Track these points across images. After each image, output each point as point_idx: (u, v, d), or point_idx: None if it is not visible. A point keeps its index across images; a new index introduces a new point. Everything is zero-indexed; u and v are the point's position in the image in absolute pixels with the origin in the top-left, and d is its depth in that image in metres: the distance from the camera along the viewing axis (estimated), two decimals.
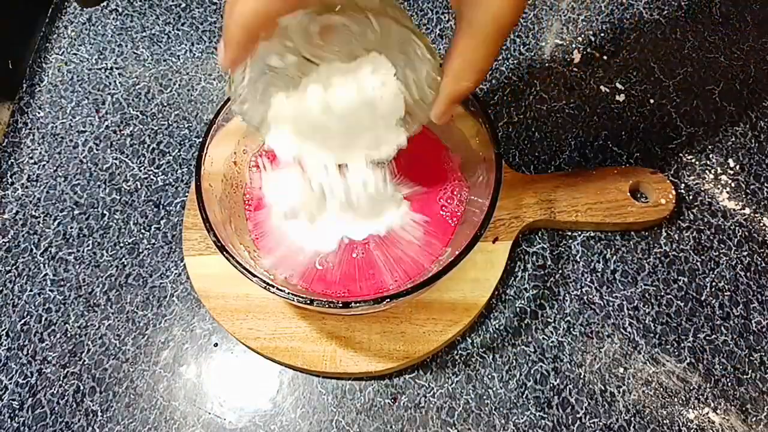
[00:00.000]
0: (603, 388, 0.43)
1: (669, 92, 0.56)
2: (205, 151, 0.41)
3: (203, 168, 0.41)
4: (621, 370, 0.43)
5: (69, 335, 0.45)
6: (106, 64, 0.60)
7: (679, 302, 0.46)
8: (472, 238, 0.37)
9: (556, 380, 0.43)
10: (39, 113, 0.56)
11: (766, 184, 0.51)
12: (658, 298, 0.46)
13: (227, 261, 0.37)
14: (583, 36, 0.60)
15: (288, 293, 0.36)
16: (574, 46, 0.59)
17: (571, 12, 0.62)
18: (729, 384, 0.43)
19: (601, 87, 0.56)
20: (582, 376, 0.43)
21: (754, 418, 0.42)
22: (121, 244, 0.49)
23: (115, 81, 0.58)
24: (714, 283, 0.46)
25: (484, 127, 0.42)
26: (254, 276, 0.36)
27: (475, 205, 0.43)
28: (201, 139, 0.42)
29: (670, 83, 0.56)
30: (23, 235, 0.50)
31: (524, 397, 0.43)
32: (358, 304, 0.36)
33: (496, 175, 0.39)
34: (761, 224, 0.49)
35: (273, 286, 0.36)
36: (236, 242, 0.42)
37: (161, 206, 0.51)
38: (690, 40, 0.59)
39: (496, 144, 0.40)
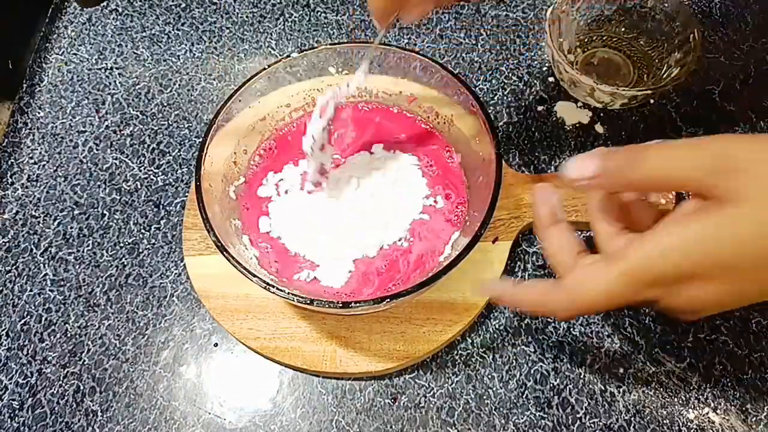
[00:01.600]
0: (603, 388, 0.43)
1: (669, 92, 0.56)
2: (205, 151, 0.41)
3: (203, 168, 0.41)
4: (621, 370, 0.43)
5: (69, 335, 0.45)
6: (106, 64, 0.60)
7: None
8: (472, 238, 0.37)
9: (556, 380, 0.43)
10: (39, 113, 0.56)
11: None
12: None
13: (227, 261, 0.37)
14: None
15: (288, 293, 0.36)
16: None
17: None
18: (729, 384, 0.43)
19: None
20: (582, 376, 0.43)
21: (754, 418, 0.42)
22: (121, 244, 0.49)
23: (115, 81, 0.58)
24: None
25: (484, 127, 0.42)
26: (254, 276, 0.36)
27: (476, 205, 0.43)
28: (201, 139, 0.42)
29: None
30: (23, 235, 0.50)
31: (524, 397, 0.43)
32: (357, 305, 0.36)
33: (496, 175, 0.39)
34: None
35: (273, 286, 0.36)
36: (236, 242, 0.42)
37: (161, 206, 0.51)
38: None
39: (496, 144, 0.40)
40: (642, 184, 0.30)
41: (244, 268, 0.36)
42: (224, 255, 0.37)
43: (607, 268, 0.29)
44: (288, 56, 0.45)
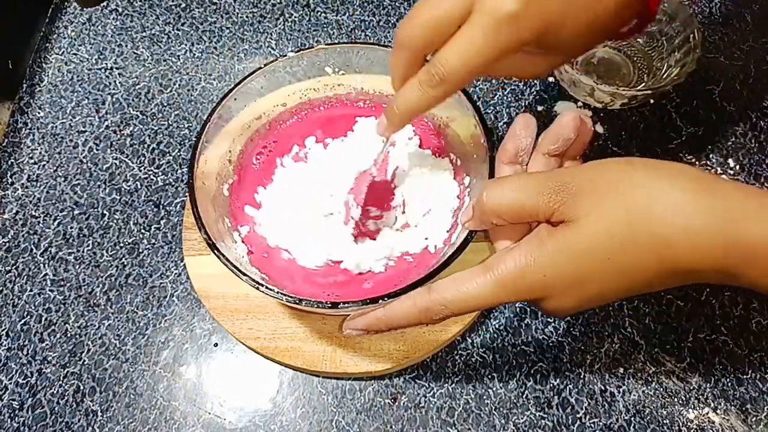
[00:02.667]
0: (603, 388, 0.43)
1: (669, 92, 0.56)
2: (198, 150, 0.41)
3: (197, 167, 0.40)
4: (621, 370, 0.43)
5: (69, 335, 0.45)
6: (106, 64, 0.60)
7: (679, 302, 0.46)
8: (464, 239, 0.37)
9: (556, 380, 0.43)
10: (39, 113, 0.56)
11: (766, 184, 0.51)
12: (658, 298, 0.46)
13: (218, 259, 0.37)
14: None
15: (277, 292, 0.35)
16: None
17: None
18: (729, 384, 0.43)
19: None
20: (582, 376, 0.43)
21: (754, 418, 0.42)
22: (121, 244, 0.49)
23: (115, 81, 0.58)
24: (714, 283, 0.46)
25: (478, 128, 0.41)
26: (244, 275, 0.36)
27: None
28: (195, 138, 0.42)
29: None
30: (23, 235, 0.50)
31: (524, 397, 0.43)
32: (347, 305, 0.36)
33: (490, 176, 0.39)
34: None
35: (263, 285, 0.36)
36: (228, 240, 0.41)
37: (161, 206, 0.51)
38: None
39: (491, 146, 0.40)
40: (498, 213, 0.34)
41: (235, 267, 0.36)
42: (215, 253, 0.37)
43: (483, 275, 0.33)
44: (284, 56, 0.45)
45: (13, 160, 0.54)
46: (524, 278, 0.32)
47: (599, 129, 0.54)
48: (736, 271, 0.29)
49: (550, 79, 0.57)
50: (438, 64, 0.32)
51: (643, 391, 0.43)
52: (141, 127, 0.55)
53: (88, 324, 0.46)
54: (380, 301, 0.35)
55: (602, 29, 0.35)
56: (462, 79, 0.33)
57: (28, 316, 0.46)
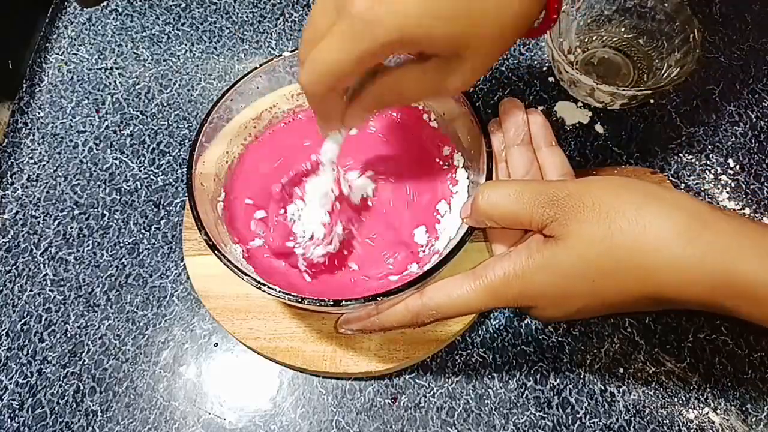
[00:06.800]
0: (603, 388, 0.43)
1: (669, 92, 0.56)
2: (196, 151, 0.41)
3: (195, 167, 0.40)
4: (621, 370, 0.43)
5: (69, 335, 0.45)
6: (106, 64, 0.60)
7: None
8: (462, 237, 0.37)
9: (556, 380, 0.43)
10: (39, 113, 0.56)
11: (766, 184, 0.51)
12: None
13: (219, 260, 0.37)
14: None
15: (279, 292, 0.36)
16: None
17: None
18: (729, 384, 0.43)
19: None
20: (582, 376, 0.43)
21: (754, 418, 0.42)
22: (121, 244, 0.49)
23: (115, 81, 0.58)
24: None
25: (475, 126, 0.41)
26: (245, 274, 0.36)
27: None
28: (193, 138, 0.42)
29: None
30: (23, 235, 0.50)
31: (524, 397, 0.43)
32: (348, 302, 0.36)
33: (487, 174, 0.39)
34: None
35: (264, 285, 0.36)
36: (228, 241, 0.41)
37: (161, 206, 0.51)
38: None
39: (487, 142, 0.40)
40: (491, 217, 0.35)
41: (235, 266, 0.36)
42: (215, 253, 0.37)
43: (472, 281, 0.34)
44: (280, 55, 0.45)
45: (13, 160, 0.54)
46: (510, 288, 0.33)
47: (599, 129, 0.54)
48: (723, 305, 0.30)
49: (550, 79, 0.57)
50: (304, 72, 0.32)
51: (643, 391, 0.43)
52: (141, 127, 0.55)
53: (88, 324, 0.46)
54: (380, 298, 0.35)
55: (484, 23, 0.32)
56: (333, 78, 0.32)
57: (28, 316, 0.46)
